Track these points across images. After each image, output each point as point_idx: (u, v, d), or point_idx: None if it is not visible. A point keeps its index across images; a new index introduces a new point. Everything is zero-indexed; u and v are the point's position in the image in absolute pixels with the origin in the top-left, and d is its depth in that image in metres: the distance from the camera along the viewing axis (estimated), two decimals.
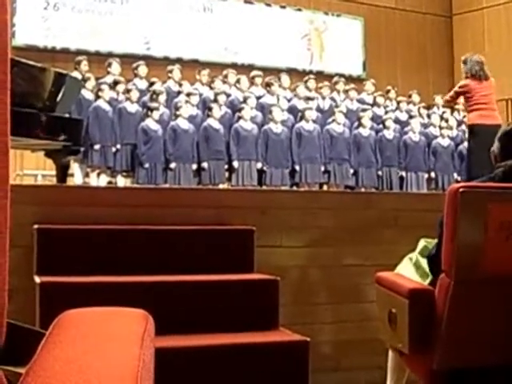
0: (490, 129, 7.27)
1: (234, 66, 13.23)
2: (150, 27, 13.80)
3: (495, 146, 3.23)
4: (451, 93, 8.47)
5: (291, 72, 13.43)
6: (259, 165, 10.31)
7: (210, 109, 10.11)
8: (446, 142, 11.66)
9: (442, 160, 11.56)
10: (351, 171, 11.03)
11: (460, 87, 8.18)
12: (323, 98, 11.81)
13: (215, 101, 10.40)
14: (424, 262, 3.27)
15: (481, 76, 7.97)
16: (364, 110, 11.37)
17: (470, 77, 8.03)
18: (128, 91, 10.01)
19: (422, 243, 3.51)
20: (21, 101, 5.47)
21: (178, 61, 12.73)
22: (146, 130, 9.66)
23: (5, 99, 1.01)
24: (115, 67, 10.61)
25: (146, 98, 10.24)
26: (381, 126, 11.50)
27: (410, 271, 3.32)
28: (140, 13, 13.74)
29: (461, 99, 8.83)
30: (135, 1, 13.78)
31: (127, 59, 11.74)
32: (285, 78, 11.87)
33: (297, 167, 10.56)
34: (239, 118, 10.33)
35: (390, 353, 3.48)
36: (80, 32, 13.11)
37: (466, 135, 11.70)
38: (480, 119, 7.85)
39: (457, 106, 12.89)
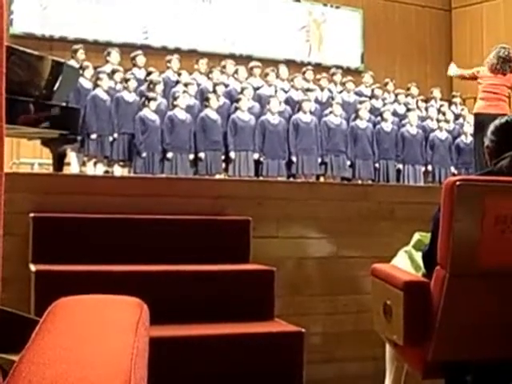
0: (494, 118, 7.23)
1: (232, 56, 13.20)
2: (149, 17, 13.76)
3: (489, 141, 3.21)
4: (468, 71, 8.41)
5: (289, 63, 13.41)
6: (256, 155, 10.32)
7: (208, 99, 10.11)
8: (443, 135, 11.66)
9: (439, 153, 11.57)
10: (348, 163, 11.04)
11: (478, 72, 8.16)
12: (322, 89, 11.81)
13: (214, 91, 10.39)
14: (417, 256, 3.26)
15: (498, 70, 7.92)
16: (361, 102, 11.37)
17: (489, 68, 8.00)
18: (126, 80, 10.00)
19: (416, 237, 3.51)
20: (18, 89, 5.45)
21: (176, 51, 12.70)
22: (143, 119, 9.65)
23: (0, 85, 1.01)
24: (114, 56, 10.59)
25: (143, 88, 10.22)
26: (379, 118, 11.50)
27: (405, 264, 3.32)
28: (139, 2, 13.71)
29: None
30: None
31: (125, 48, 11.72)
32: (283, 70, 11.86)
33: (294, 158, 10.56)
34: (236, 108, 10.33)
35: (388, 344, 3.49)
36: (78, 21, 13.06)
37: (465, 128, 11.74)
38: (485, 108, 7.79)
39: (454, 100, 12.91)
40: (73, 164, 9.67)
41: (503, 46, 8.19)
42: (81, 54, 10.32)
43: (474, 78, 8.26)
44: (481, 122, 7.73)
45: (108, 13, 13.43)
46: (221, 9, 14.42)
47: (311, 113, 10.81)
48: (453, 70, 8.66)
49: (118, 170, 9.84)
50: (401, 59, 15.99)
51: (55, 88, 6.27)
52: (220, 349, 3.30)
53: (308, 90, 11.26)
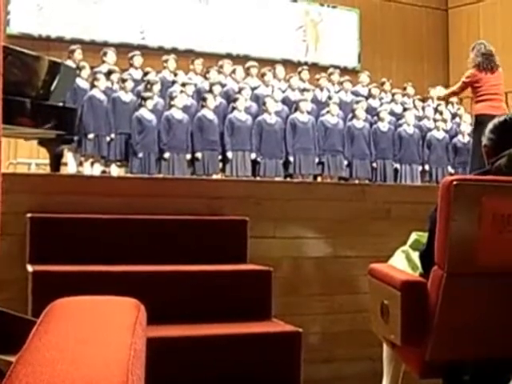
0: None
1: (229, 56, 13.21)
2: (146, 17, 13.77)
3: (487, 139, 3.20)
4: (459, 84, 8.12)
5: (286, 63, 13.43)
6: (253, 155, 10.32)
7: (205, 99, 10.11)
8: (440, 134, 11.68)
9: (436, 153, 11.58)
10: (345, 163, 11.05)
11: (467, 77, 7.78)
12: (321, 89, 11.82)
13: (210, 91, 10.39)
14: (415, 255, 3.26)
15: (485, 67, 7.70)
16: (358, 102, 11.38)
17: (475, 67, 7.71)
18: (123, 81, 10.00)
19: (413, 236, 3.51)
20: (15, 89, 5.45)
21: (173, 51, 12.71)
22: (140, 119, 9.65)
23: None
24: (110, 56, 10.59)
25: (140, 88, 10.22)
26: (375, 118, 11.51)
27: (402, 264, 3.32)
28: (136, 2, 13.70)
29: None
30: None
31: (122, 49, 11.73)
32: (280, 69, 11.86)
33: (291, 158, 10.57)
34: (234, 108, 10.33)
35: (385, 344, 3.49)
36: (75, 21, 13.05)
37: (462, 128, 11.72)
38: (488, 109, 7.56)
39: (451, 99, 12.90)
40: (70, 164, 9.67)
41: (479, 42, 7.97)
42: (78, 55, 10.31)
43: (467, 85, 7.86)
44: (484, 122, 7.53)
45: (105, 13, 13.42)
46: (218, 9, 14.43)
47: (308, 113, 10.82)
48: (441, 91, 8.38)
49: (115, 170, 9.84)
50: (397, 59, 15.99)
51: (52, 88, 6.26)
52: (217, 349, 3.30)
53: (305, 90, 11.26)
